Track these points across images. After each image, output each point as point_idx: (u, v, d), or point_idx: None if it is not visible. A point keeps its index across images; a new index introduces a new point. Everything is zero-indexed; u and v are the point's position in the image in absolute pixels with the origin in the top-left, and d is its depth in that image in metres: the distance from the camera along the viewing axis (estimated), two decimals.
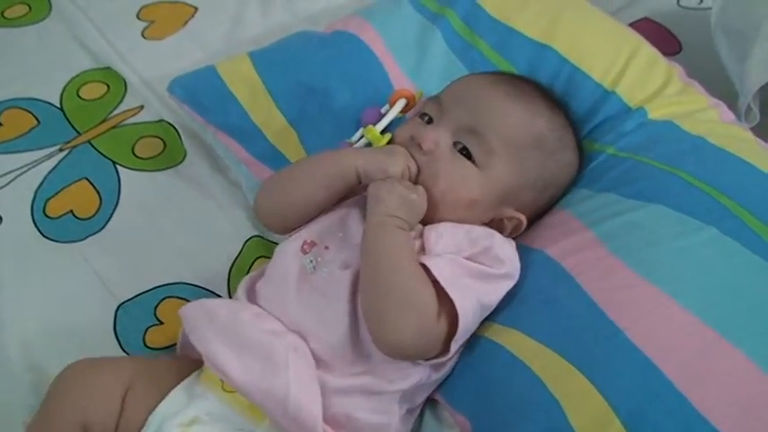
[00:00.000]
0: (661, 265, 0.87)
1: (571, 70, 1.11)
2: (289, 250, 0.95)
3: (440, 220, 0.93)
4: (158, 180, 1.22)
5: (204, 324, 0.89)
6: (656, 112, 1.06)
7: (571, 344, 0.85)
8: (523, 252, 0.94)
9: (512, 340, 0.88)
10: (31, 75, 1.36)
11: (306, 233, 0.95)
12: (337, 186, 0.95)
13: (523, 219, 0.96)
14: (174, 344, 1.02)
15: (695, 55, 1.34)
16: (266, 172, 1.13)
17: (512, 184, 0.95)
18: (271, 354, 0.85)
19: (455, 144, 0.95)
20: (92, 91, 1.34)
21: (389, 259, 0.87)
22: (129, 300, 1.09)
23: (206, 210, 1.19)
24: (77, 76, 1.35)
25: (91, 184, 1.21)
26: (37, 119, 1.29)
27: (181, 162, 1.24)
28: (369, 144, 1.00)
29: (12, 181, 1.21)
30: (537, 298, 0.90)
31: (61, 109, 1.31)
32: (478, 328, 0.90)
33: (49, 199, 1.19)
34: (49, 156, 1.24)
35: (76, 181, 1.21)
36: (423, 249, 0.92)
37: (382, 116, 1.03)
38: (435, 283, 0.86)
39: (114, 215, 1.18)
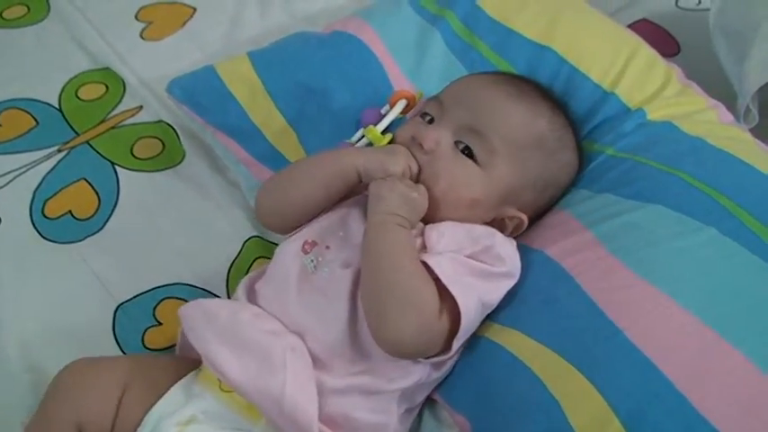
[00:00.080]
0: (660, 266, 0.87)
1: (570, 71, 1.11)
2: (289, 250, 0.95)
3: (442, 220, 0.93)
4: (157, 180, 1.22)
5: (203, 324, 0.89)
6: (655, 113, 1.06)
7: (571, 344, 0.85)
8: (523, 252, 0.94)
9: (512, 340, 0.88)
10: (30, 75, 1.36)
11: (306, 233, 0.95)
12: (338, 186, 0.95)
13: (525, 218, 0.96)
14: (173, 345, 1.02)
15: (693, 56, 1.34)
16: (265, 172, 1.13)
17: (513, 183, 0.95)
18: (268, 353, 0.85)
19: (457, 144, 0.95)
20: (90, 91, 1.34)
21: (390, 257, 0.87)
22: (127, 300, 1.09)
23: (205, 210, 1.19)
24: (76, 76, 1.36)
25: (90, 184, 1.21)
26: (36, 119, 1.29)
27: (180, 162, 1.24)
28: (369, 144, 1.00)
29: (10, 181, 1.21)
30: (537, 298, 0.90)
31: (60, 110, 1.31)
32: (478, 327, 0.90)
33: (48, 199, 1.19)
34: (48, 156, 1.24)
35: (75, 181, 1.21)
36: (424, 248, 0.92)
37: (382, 117, 1.02)
38: (437, 281, 0.86)
39: (113, 216, 1.18)
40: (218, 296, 1.09)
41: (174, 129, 1.28)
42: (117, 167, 1.23)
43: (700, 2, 1.46)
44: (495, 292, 0.90)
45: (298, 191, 0.97)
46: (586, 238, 0.92)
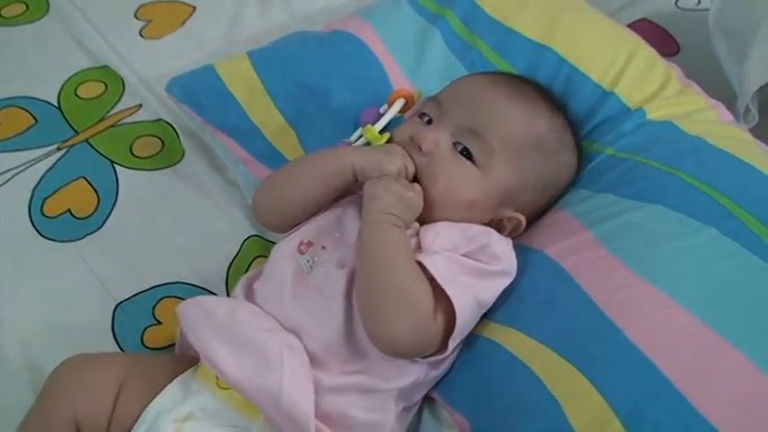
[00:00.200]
0: (660, 266, 0.87)
1: (570, 71, 1.11)
2: (285, 250, 0.95)
3: (439, 220, 0.93)
4: (156, 179, 1.22)
5: (201, 322, 0.89)
6: (654, 113, 1.06)
7: (570, 343, 0.85)
8: (522, 252, 0.94)
9: (511, 340, 0.88)
10: (29, 74, 1.36)
11: (302, 233, 0.96)
12: (335, 184, 0.95)
13: (523, 219, 0.96)
14: (173, 344, 1.02)
15: (693, 56, 1.34)
16: (265, 171, 1.13)
17: (512, 184, 0.95)
18: (265, 351, 0.85)
19: (455, 145, 0.95)
20: (89, 90, 1.34)
21: (385, 256, 0.87)
22: (127, 299, 1.09)
23: (204, 209, 1.19)
24: (75, 74, 1.35)
25: (89, 183, 1.21)
26: (35, 118, 1.29)
27: (179, 161, 1.24)
28: (367, 143, 1.00)
29: (9, 180, 1.21)
30: (536, 298, 0.90)
31: (59, 108, 1.31)
32: (477, 327, 0.90)
33: (47, 198, 1.19)
34: (47, 155, 1.24)
35: (74, 180, 1.21)
36: (419, 248, 0.92)
37: (381, 116, 1.03)
38: (432, 280, 0.86)
39: (112, 214, 1.17)
40: (216, 295, 1.09)
41: (173, 127, 1.28)
42: (116, 166, 1.23)
43: (699, 2, 1.46)
44: (491, 290, 0.90)
45: (295, 189, 0.97)
46: (586, 237, 0.92)
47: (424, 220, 0.93)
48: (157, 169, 1.23)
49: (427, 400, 0.96)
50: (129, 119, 1.30)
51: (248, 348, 0.85)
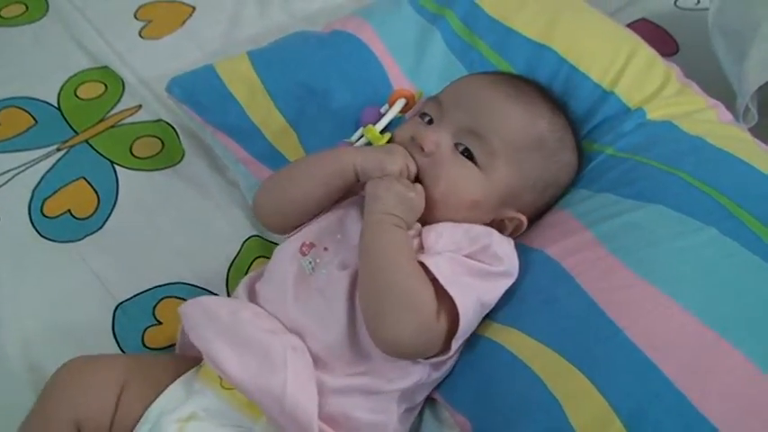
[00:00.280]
0: (660, 266, 0.87)
1: (570, 70, 1.11)
2: (287, 252, 0.95)
3: (441, 221, 0.93)
4: (156, 180, 1.22)
5: (204, 322, 0.89)
6: (654, 113, 1.06)
7: (571, 343, 0.85)
8: (523, 252, 0.94)
9: (512, 340, 0.88)
10: (29, 74, 1.36)
11: (304, 235, 0.96)
12: (336, 184, 0.95)
13: (524, 219, 0.96)
14: (173, 344, 1.02)
15: (692, 56, 1.34)
16: (265, 171, 1.13)
17: (513, 185, 0.95)
18: (269, 352, 0.85)
19: (456, 146, 0.95)
20: (89, 90, 1.34)
21: (387, 258, 0.87)
22: (127, 300, 1.09)
23: (204, 209, 1.19)
24: (75, 75, 1.35)
25: (89, 183, 1.21)
26: (34, 118, 1.29)
27: (179, 162, 1.24)
28: (368, 144, 1.00)
29: (9, 180, 1.20)
30: (537, 297, 0.90)
31: (59, 108, 1.31)
32: (478, 327, 0.90)
33: (47, 198, 1.19)
34: (47, 155, 1.24)
35: (74, 180, 1.21)
36: (421, 248, 0.92)
37: (382, 116, 1.02)
38: (435, 281, 0.86)
39: (112, 215, 1.17)
40: (217, 295, 1.09)
41: (173, 128, 1.28)
42: (116, 166, 1.23)
43: (698, 1, 1.46)
44: (494, 291, 0.90)
45: (297, 189, 0.97)
46: (586, 237, 0.92)
47: (425, 220, 0.93)
48: (157, 170, 1.23)
49: (429, 400, 0.96)
50: (129, 119, 1.30)
51: (252, 349, 0.85)
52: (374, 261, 0.87)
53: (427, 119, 0.98)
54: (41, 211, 1.17)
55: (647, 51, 1.16)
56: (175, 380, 0.91)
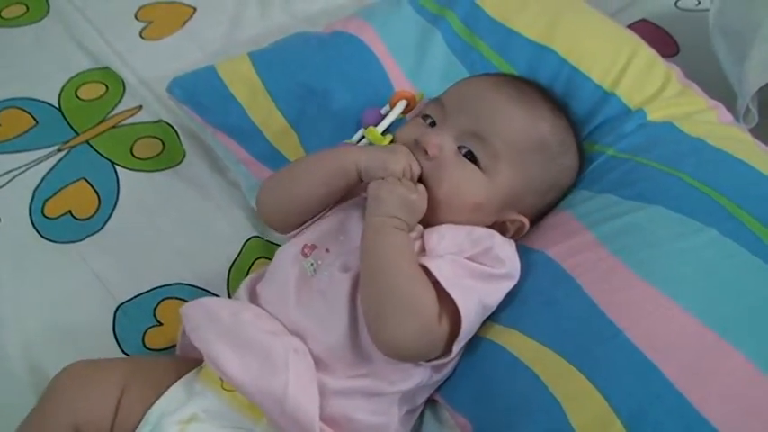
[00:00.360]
0: (661, 267, 0.87)
1: (571, 72, 1.11)
2: (289, 253, 0.95)
3: (443, 223, 0.93)
4: (157, 180, 1.22)
5: (205, 323, 0.89)
6: (655, 114, 1.06)
7: (572, 345, 0.85)
8: (524, 253, 0.94)
9: (512, 341, 0.88)
10: (30, 75, 1.36)
11: (306, 236, 0.95)
12: (338, 183, 0.95)
13: (526, 222, 0.96)
14: (174, 345, 1.01)
15: (692, 57, 1.34)
16: (266, 172, 1.13)
17: (516, 188, 0.95)
18: (270, 353, 0.85)
19: (460, 148, 0.94)
20: (90, 91, 1.34)
21: (389, 261, 0.87)
22: (128, 300, 1.09)
23: (205, 210, 1.19)
24: (76, 76, 1.36)
25: (89, 184, 1.21)
26: (35, 119, 1.29)
27: (180, 162, 1.24)
28: (370, 145, 1.00)
29: (10, 181, 1.21)
30: (537, 299, 0.90)
31: (59, 109, 1.31)
32: (479, 328, 0.90)
33: (48, 199, 1.19)
34: (48, 156, 1.24)
35: (75, 181, 1.21)
36: (423, 251, 0.92)
37: (383, 117, 1.03)
38: (436, 283, 0.86)
39: (113, 216, 1.18)
40: (218, 296, 1.09)
41: (174, 129, 1.28)
42: (117, 167, 1.23)
43: (699, 2, 1.46)
44: (496, 293, 0.90)
45: (300, 187, 0.97)
46: (587, 238, 0.92)
47: (427, 222, 0.93)
48: (158, 170, 1.23)
49: (429, 401, 0.96)
50: (130, 120, 1.30)
51: (253, 350, 0.85)
52: (375, 264, 0.87)
53: (429, 121, 0.98)
54: (42, 211, 1.17)
55: (647, 52, 1.16)
56: (176, 381, 0.91)
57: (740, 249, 0.87)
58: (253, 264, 1.13)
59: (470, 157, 0.94)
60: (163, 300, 1.09)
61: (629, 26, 1.35)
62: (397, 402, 0.89)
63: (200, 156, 1.24)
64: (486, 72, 1.12)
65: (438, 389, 0.94)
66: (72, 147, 1.25)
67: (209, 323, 0.89)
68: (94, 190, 1.20)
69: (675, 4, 1.47)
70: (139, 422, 0.88)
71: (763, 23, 1.15)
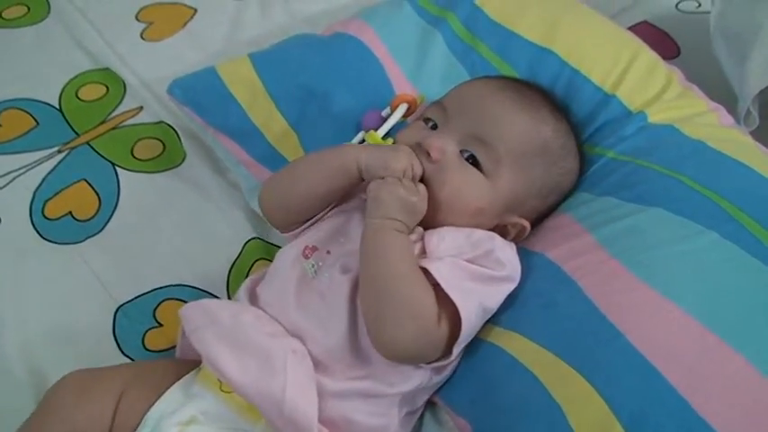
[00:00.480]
0: (661, 270, 0.87)
1: (571, 74, 1.11)
2: (290, 255, 0.95)
3: (444, 225, 0.93)
4: (158, 182, 1.22)
5: (205, 325, 0.89)
6: (656, 116, 1.06)
7: (572, 347, 0.85)
8: (524, 255, 0.94)
9: (512, 343, 0.88)
10: (30, 76, 1.37)
11: (307, 238, 0.96)
12: (339, 181, 0.95)
13: (527, 225, 0.96)
14: (174, 346, 1.01)
15: (693, 59, 1.34)
16: (266, 174, 1.13)
17: (517, 191, 0.95)
18: (269, 355, 0.85)
19: (462, 152, 0.94)
20: (91, 92, 1.34)
21: (388, 263, 0.87)
22: (128, 302, 1.09)
23: (205, 211, 1.19)
24: (76, 77, 1.36)
25: (90, 185, 1.21)
26: (36, 120, 1.29)
27: (180, 164, 1.24)
28: None
29: (10, 182, 1.21)
30: (538, 301, 0.90)
31: (60, 110, 1.31)
32: (479, 331, 0.90)
33: (48, 200, 1.19)
34: (48, 157, 1.24)
35: (75, 182, 1.21)
36: (423, 253, 0.91)
37: (383, 120, 1.02)
38: (436, 286, 0.86)
39: (113, 217, 1.18)
40: (218, 298, 1.09)
41: (174, 130, 1.28)
42: (117, 168, 1.23)
43: (700, 4, 1.46)
44: (496, 296, 0.90)
45: (301, 184, 0.97)
46: (587, 241, 0.92)
47: (428, 224, 0.93)
48: (159, 171, 1.23)
49: (429, 403, 0.96)
50: (131, 121, 1.30)
51: (252, 352, 0.85)
52: (375, 266, 0.87)
53: (431, 124, 0.98)
54: (42, 212, 1.17)
55: (648, 55, 1.16)
56: (174, 383, 0.91)
57: (741, 252, 0.87)
58: (253, 265, 1.13)
59: (473, 161, 0.94)
60: (163, 301, 1.09)
61: (630, 28, 1.34)
62: (397, 404, 0.89)
63: (201, 157, 1.24)
64: (487, 74, 1.12)
65: (438, 391, 0.94)
66: (72, 148, 1.25)
67: (209, 325, 0.89)
68: (95, 191, 1.20)
69: (676, 6, 1.47)
70: (138, 424, 0.87)
71: (764, 26, 1.15)
